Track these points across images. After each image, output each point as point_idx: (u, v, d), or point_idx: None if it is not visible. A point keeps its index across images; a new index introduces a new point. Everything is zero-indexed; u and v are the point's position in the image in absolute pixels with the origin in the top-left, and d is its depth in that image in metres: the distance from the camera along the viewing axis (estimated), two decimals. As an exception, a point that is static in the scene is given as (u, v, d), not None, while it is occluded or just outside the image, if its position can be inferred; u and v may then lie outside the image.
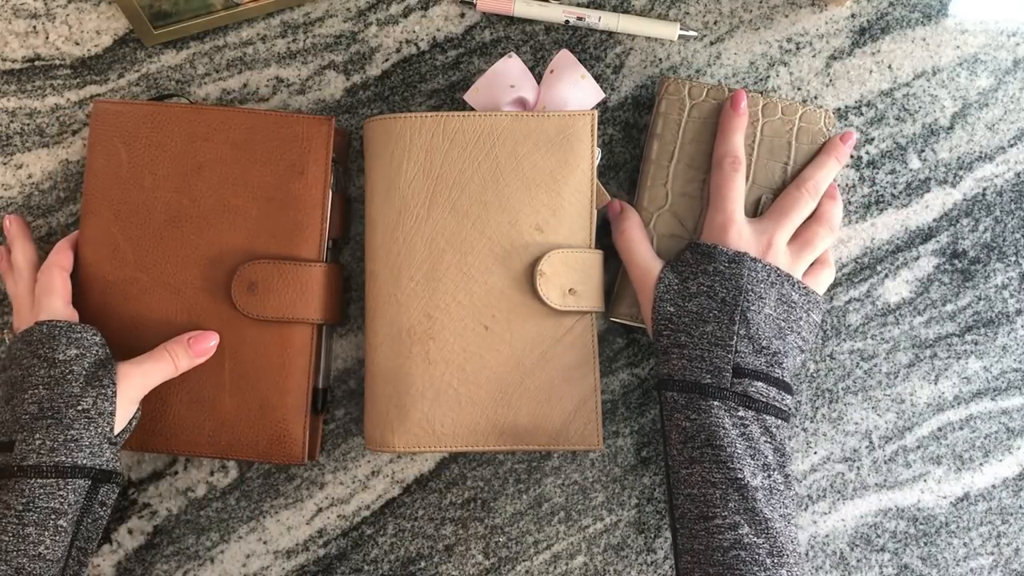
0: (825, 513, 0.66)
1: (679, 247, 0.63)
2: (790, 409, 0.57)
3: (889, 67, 0.67)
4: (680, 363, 0.56)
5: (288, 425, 0.59)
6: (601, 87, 0.63)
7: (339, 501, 0.65)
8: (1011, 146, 0.67)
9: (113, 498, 0.55)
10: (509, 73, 0.61)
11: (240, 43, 0.66)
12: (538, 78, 0.64)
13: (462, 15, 0.66)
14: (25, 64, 0.65)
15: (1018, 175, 0.67)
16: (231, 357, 0.59)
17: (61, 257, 0.59)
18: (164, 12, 0.63)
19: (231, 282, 0.58)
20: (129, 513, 0.64)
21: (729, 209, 0.59)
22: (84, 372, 0.53)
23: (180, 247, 0.59)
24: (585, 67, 0.62)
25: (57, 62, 0.65)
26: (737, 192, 0.59)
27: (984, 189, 0.67)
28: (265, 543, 0.65)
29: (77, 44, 0.65)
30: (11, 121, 0.65)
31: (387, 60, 0.66)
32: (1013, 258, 0.66)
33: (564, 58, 0.61)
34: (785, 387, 0.57)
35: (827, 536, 0.66)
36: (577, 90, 0.60)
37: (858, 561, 0.66)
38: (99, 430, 0.53)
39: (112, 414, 0.53)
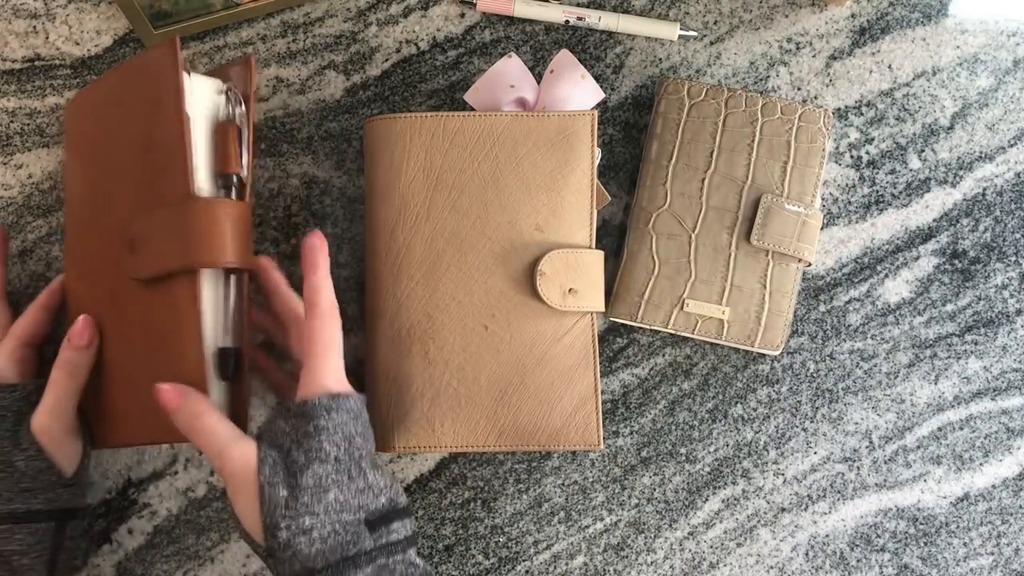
0: (825, 513, 0.66)
1: (680, 246, 0.63)
2: (413, 527, 0.52)
3: (889, 67, 0.67)
4: (315, 549, 0.45)
5: None
6: (601, 87, 0.63)
7: (339, 501, 0.65)
8: (1011, 146, 0.67)
9: (86, 530, 0.54)
10: (509, 73, 0.61)
11: (240, 43, 0.66)
12: (538, 78, 0.64)
13: (462, 15, 0.66)
14: (25, 64, 0.65)
15: (1018, 175, 0.67)
16: (134, 330, 0.52)
17: (30, 314, 0.58)
18: (164, 12, 0.63)
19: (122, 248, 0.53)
20: (129, 513, 0.64)
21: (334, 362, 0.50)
22: (8, 433, 0.52)
23: (86, 228, 0.56)
24: (585, 67, 0.62)
25: (57, 62, 0.65)
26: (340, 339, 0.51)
27: (984, 189, 0.67)
28: (265, 543, 0.65)
29: (77, 44, 0.65)
30: (11, 121, 0.65)
31: (387, 60, 0.66)
32: (1013, 258, 0.66)
33: (564, 58, 0.61)
34: (403, 510, 0.49)
35: (827, 536, 0.66)
36: (577, 90, 0.60)
37: (858, 561, 0.66)
38: (45, 480, 0.52)
39: (48, 468, 0.52)
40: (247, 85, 0.54)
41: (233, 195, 0.53)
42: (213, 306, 0.52)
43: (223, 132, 0.53)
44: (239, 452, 0.46)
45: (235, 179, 0.53)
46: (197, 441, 0.47)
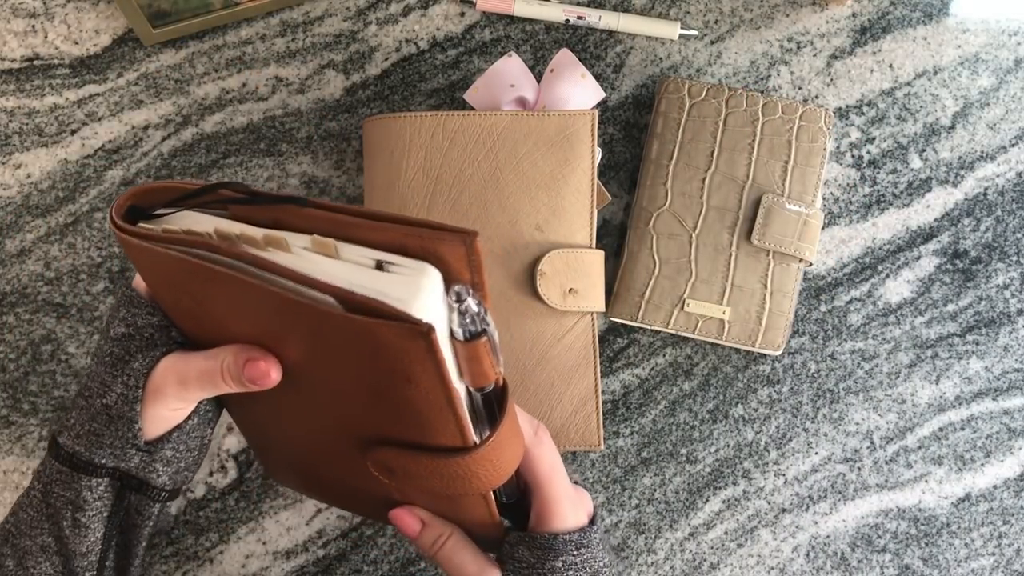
0: (826, 514, 0.66)
1: (680, 246, 0.63)
2: None
3: (890, 66, 0.67)
4: None
5: None
6: (601, 86, 0.63)
7: (339, 502, 0.65)
8: (1012, 145, 0.67)
9: (154, 512, 0.46)
10: (509, 72, 0.61)
11: (239, 42, 0.66)
12: (538, 77, 0.64)
13: (462, 14, 0.66)
14: (24, 63, 0.65)
15: (1019, 175, 0.67)
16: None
17: None
18: (163, 11, 0.62)
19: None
20: (128, 514, 0.64)
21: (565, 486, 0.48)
22: (123, 357, 0.44)
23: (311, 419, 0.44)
24: (585, 66, 0.62)
25: (56, 61, 0.65)
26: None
27: (985, 189, 0.66)
28: (264, 544, 0.64)
29: (76, 43, 0.65)
30: (10, 121, 0.65)
31: (387, 59, 0.66)
32: (1014, 258, 0.66)
33: (564, 57, 0.61)
34: None
35: (828, 537, 0.65)
36: (577, 89, 0.60)
37: (859, 562, 0.65)
38: (120, 432, 0.44)
39: (133, 420, 0.44)
40: (475, 271, 0.38)
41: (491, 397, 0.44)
42: None
43: (474, 352, 0.39)
44: None
45: (492, 386, 0.43)
46: (443, 567, 0.47)
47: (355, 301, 0.33)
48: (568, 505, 0.47)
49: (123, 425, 0.44)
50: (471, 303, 0.36)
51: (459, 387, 0.39)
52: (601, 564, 0.47)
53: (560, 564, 0.45)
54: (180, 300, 0.41)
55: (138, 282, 0.46)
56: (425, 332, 0.33)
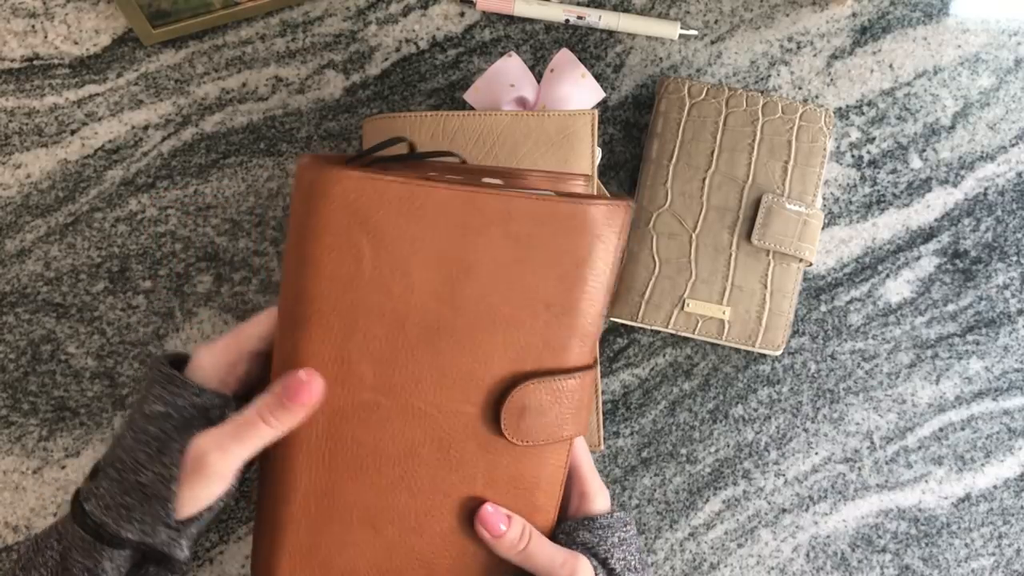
0: (826, 514, 0.65)
1: (680, 246, 0.63)
2: None
3: (890, 66, 0.67)
4: None
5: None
6: (601, 86, 0.63)
7: (338, 502, 0.65)
8: (1012, 145, 0.67)
9: None
10: (509, 72, 0.61)
11: (239, 42, 0.66)
12: (538, 77, 0.64)
13: (462, 14, 0.66)
14: (24, 63, 0.65)
15: (1020, 175, 0.67)
16: (486, 485, 0.48)
17: (262, 321, 0.47)
18: (163, 11, 0.62)
19: (496, 405, 0.47)
20: (128, 514, 0.64)
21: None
22: (161, 437, 0.44)
23: (436, 366, 0.46)
24: (585, 66, 0.62)
25: (56, 61, 0.65)
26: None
27: (985, 189, 0.66)
28: (264, 544, 0.64)
29: (76, 43, 0.65)
30: (9, 121, 0.65)
31: (387, 59, 0.66)
32: (1015, 258, 0.66)
33: (564, 57, 0.61)
34: None
35: (828, 537, 0.65)
36: (577, 89, 0.60)
37: (859, 562, 0.65)
38: (152, 510, 0.43)
39: (168, 500, 0.43)
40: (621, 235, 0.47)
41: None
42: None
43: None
44: (569, 570, 0.48)
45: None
46: (528, 563, 0.48)
47: (568, 193, 0.45)
48: (601, 487, 0.52)
49: (157, 504, 0.43)
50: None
51: None
52: (639, 543, 0.53)
53: (616, 539, 0.50)
54: (360, 251, 0.43)
55: (177, 358, 0.46)
56: (627, 204, 0.45)
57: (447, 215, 0.43)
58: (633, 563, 0.50)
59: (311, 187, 0.42)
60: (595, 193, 0.46)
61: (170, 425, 0.44)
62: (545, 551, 0.48)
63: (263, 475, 0.46)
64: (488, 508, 0.47)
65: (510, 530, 0.47)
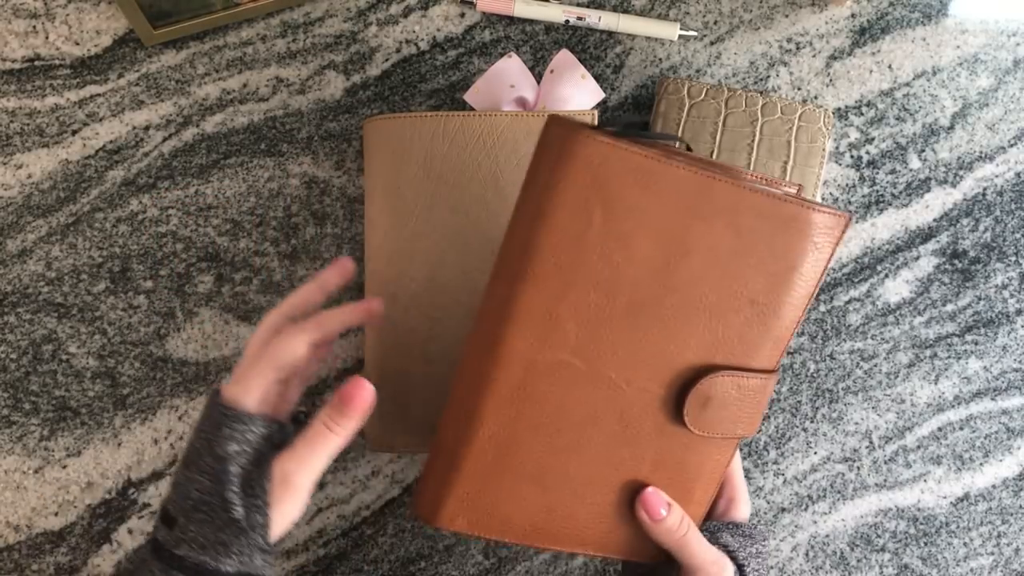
0: (825, 513, 0.66)
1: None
2: None
3: (889, 67, 0.67)
4: None
5: None
6: (601, 87, 0.63)
7: (339, 501, 0.65)
8: (1011, 146, 0.67)
9: None
10: (509, 73, 0.61)
11: (240, 43, 0.66)
12: (538, 78, 0.64)
13: (462, 15, 0.66)
14: (25, 64, 0.65)
15: (1018, 175, 0.67)
16: (653, 467, 0.49)
17: (312, 328, 0.50)
18: (164, 12, 0.63)
19: (681, 391, 0.48)
20: (129, 513, 0.64)
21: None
22: (241, 473, 0.47)
23: (634, 340, 0.46)
24: (585, 67, 0.62)
25: (57, 62, 0.65)
26: None
27: (984, 189, 0.67)
28: (265, 543, 0.65)
29: (77, 44, 0.65)
30: (11, 121, 0.65)
31: (387, 60, 0.66)
32: (1013, 258, 0.66)
33: (564, 58, 0.61)
34: None
35: (827, 536, 0.66)
36: (577, 90, 0.60)
37: (858, 561, 0.66)
38: (250, 541, 0.46)
39: (265, 526, 0.46)
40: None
41: None
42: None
43: None
44: (718, 570, 0.50)
45: None
46: (681, 553, 0.50)
47: (795, 196, 0.46)
48: (747, 496, 0.54)
49: (255, 534, 0.46)
50: None
51: None
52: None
53: (755, 550, 0.51)
54: (592, 215, 0.44)
55: (235, 393, 0.48)
56: (848, 216, 0.46)
57: (678, 196, 0.44)
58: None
59: (561, 144, 0.43)
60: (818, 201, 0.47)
61: (245, 460, 0.47)
62: (701, 544, 0.49)
63: (446, 418, 0.47)
64: (650, 491, 0.49)
65: (670, 516, 0.49)
